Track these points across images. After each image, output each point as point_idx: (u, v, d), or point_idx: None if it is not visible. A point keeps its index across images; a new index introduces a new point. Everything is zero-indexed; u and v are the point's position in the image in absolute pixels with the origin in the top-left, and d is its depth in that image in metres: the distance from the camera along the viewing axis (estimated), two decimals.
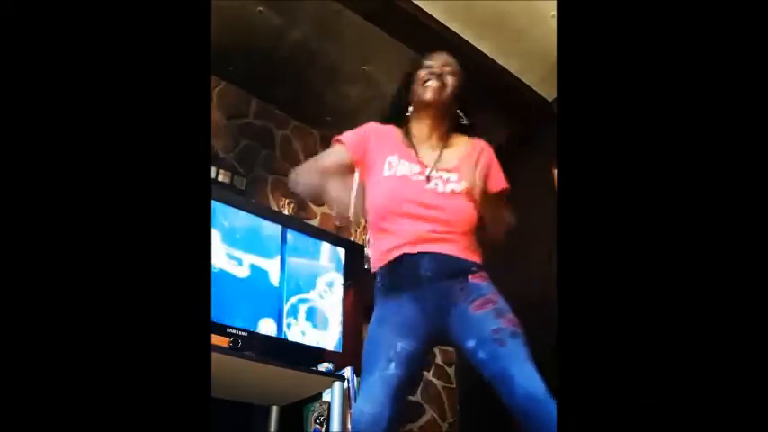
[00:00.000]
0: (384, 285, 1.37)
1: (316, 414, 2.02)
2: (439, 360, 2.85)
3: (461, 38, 2.33)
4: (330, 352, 2.10)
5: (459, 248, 1.36)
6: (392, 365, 1.24)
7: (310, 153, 2.87)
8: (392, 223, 1.38)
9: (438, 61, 1.50)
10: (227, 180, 2.37)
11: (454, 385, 2.85)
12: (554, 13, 2.13)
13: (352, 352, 2.19)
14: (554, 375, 0.88)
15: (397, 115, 1.54)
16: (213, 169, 2.34)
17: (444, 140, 1.50)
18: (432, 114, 1.49)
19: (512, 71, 2.52)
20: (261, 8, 2.25)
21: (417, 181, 1.40)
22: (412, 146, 1.47)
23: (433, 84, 1.46)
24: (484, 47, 2.40)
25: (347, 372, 2.05)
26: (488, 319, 1.26)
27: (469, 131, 1.54)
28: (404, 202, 1.38)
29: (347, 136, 1.52)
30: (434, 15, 2.25)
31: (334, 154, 1.50)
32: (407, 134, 1.50)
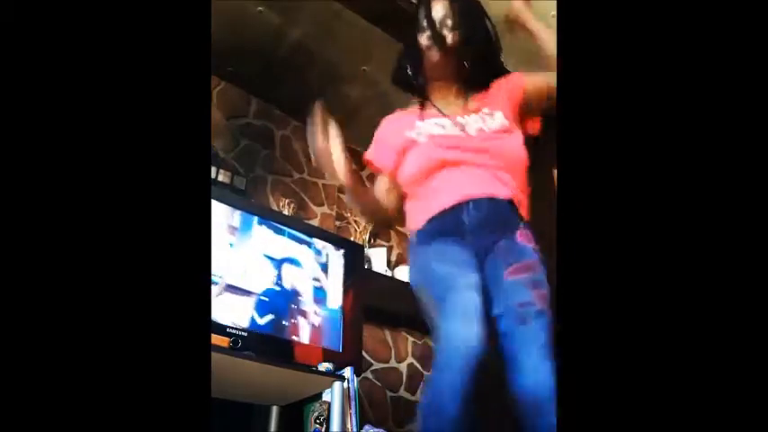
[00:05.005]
0: (425, 235, 1.29)
1: (316, 414, 2.02)
2: None
3: None
4: (330, 352, 2.10)
5: (509, 190, 1.28)
6: (473, 292, 1.12)
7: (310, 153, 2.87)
8: (430, 182, 1.32)
9: (434, 19, 1.38)
10: (227, 180, 2.37)
11: None
12: (554, 13, 2.13)
13: (352, 352, 2.19)
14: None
15: (407, 82, 1.46)
16: (213, 169, 2.35)
17: (464, 95, 1.44)
18: (444, 75, 1.42)
19: (512, 71, 2.51)
20: (261, 8, 2.25)
21: (451, 133, 1.34)
22: (433, 106, 1.41)
23: (434, 50, 1.37)
24: None
25: (347, 372, 2.05)
26: (520, 289, 1.16)
27: (483, 82, 1.47)
28: (441, 156, 1.31)
29: (373, 154, 1.47)
30: None
31: (382, 184, 1.46)
32: (423, 103, 1.43)
